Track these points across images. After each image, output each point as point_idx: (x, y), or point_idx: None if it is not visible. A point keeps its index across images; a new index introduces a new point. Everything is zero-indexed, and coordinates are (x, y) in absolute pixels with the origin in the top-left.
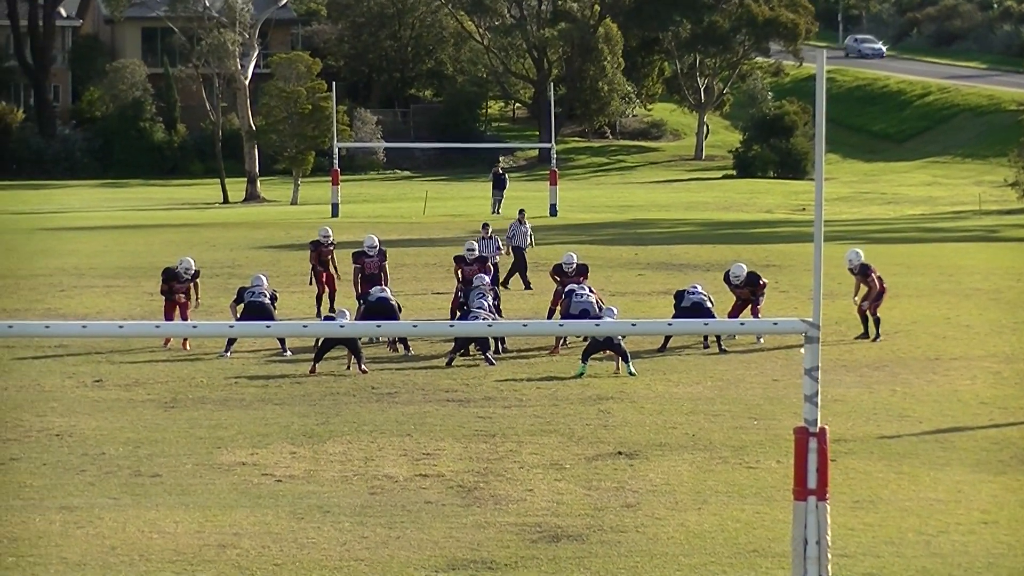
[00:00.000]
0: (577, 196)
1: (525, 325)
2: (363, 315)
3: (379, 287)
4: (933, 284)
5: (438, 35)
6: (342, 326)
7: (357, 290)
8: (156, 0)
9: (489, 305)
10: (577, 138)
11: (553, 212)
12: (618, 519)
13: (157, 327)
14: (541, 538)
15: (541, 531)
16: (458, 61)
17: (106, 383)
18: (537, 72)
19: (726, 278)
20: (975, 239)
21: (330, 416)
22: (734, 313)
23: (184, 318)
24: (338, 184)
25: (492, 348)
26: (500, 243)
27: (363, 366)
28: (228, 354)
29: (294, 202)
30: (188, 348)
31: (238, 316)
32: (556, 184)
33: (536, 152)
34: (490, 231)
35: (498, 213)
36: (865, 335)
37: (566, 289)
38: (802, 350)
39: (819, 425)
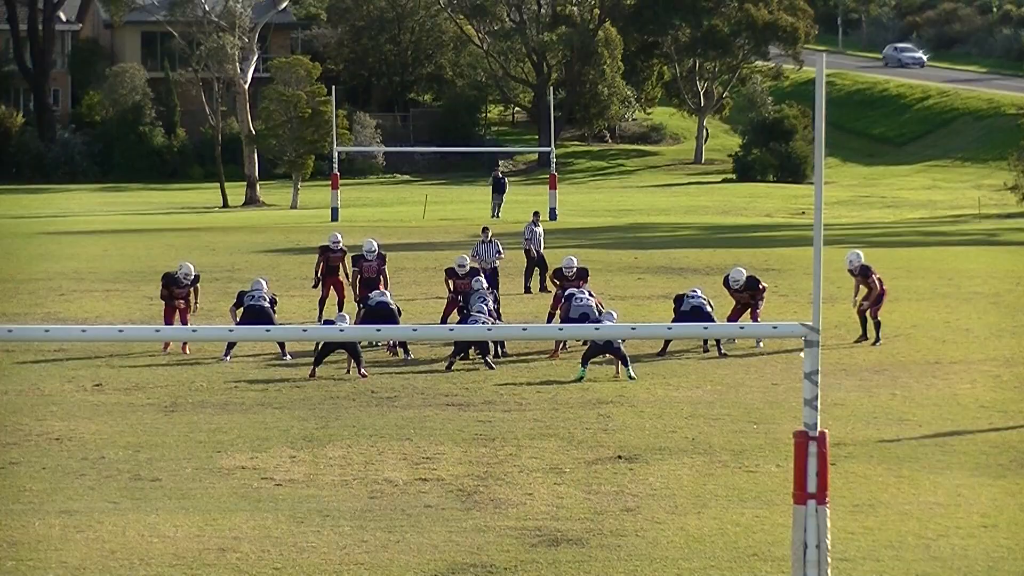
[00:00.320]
0: (577, 200)
1: (525, 329)
2: (363, 319)
3: (379, 291)
4: (933, 288)
5: (438, 39)
6: (342, 330)
7: (356, 294)
8: (156, 4)
9: (489, 309)
10: (576, 142)
11: (552, 216)
12: (618, 523)
13: (157, 331)
14: (541, 542)
15: (541, 535)
16: (458, 65)
17: (106, 387)
18: (537, 76)
19: (725, 282)
20: (975, 243)
21: (330, 420)
22: (734, 317)
23: (184, 323)
24: (338, 188)
25: (492, 352)
26: (500, 248)
27: (363, 370)
28: (228, 358)
29: (294, 206)
30: (188, 352)
31: (238, 320)
32: (555, 188)
33: (536, 156)
34: (490, 235)
35: (497, 217)
36: (864, 337)
37: (566, 293)
38: (802, 354)
39: (819, 429)
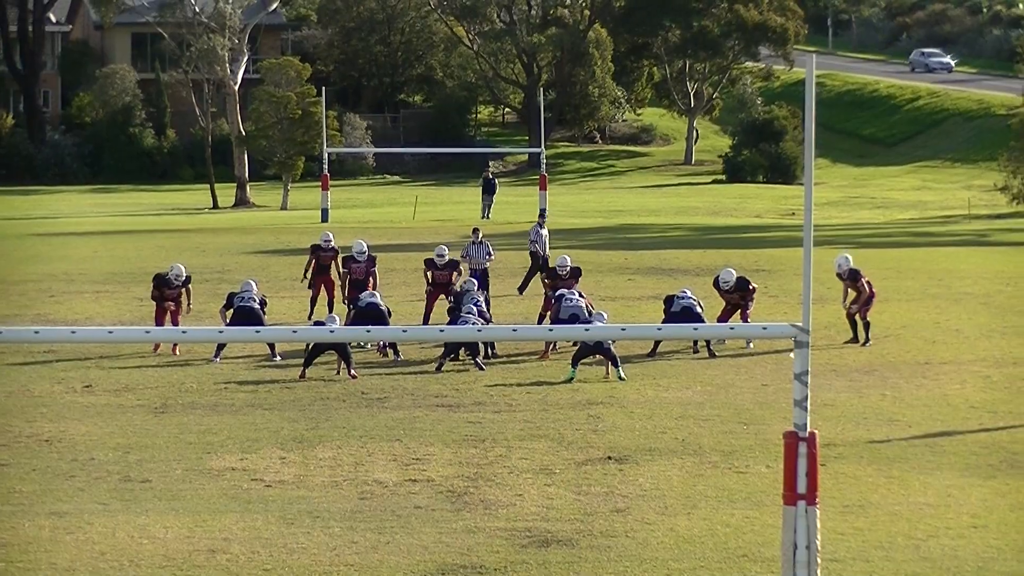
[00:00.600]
0: (567, 201)
1: (515, 330)
2: (353, 320)
3: (368, 292)
4: (923, 288)
5: (428, 40)
6: (332, 331)
7: (345, 295)
8: (146, 6)
9: (479, 310)
10: (567, 143)
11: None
12: (608, 524)
13: (147, 332)
14: (531, 543)
15: (531, 536)
16: (448, 66)
17: (96, 388)
18: (527, 77)
19: (715, 283)
20: (965, 243)
21: (320, 421)
22: (724, 318)
23: (175, 324)
24: (328, 189)
25: (482, 353)
26: (491, 249)
27: (353, 371)
28: (218, 359)
29: (284, 207)
30: (178, 353)
31: (227, 321)
32: (546, 189)
33: (526, 157)
34: (480, 236)
35: (488, 218)
36: (855, 340)
37: (556, 294)
38: (792, 355)
39: (809, 429)
